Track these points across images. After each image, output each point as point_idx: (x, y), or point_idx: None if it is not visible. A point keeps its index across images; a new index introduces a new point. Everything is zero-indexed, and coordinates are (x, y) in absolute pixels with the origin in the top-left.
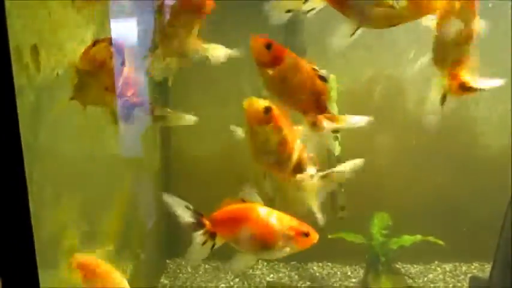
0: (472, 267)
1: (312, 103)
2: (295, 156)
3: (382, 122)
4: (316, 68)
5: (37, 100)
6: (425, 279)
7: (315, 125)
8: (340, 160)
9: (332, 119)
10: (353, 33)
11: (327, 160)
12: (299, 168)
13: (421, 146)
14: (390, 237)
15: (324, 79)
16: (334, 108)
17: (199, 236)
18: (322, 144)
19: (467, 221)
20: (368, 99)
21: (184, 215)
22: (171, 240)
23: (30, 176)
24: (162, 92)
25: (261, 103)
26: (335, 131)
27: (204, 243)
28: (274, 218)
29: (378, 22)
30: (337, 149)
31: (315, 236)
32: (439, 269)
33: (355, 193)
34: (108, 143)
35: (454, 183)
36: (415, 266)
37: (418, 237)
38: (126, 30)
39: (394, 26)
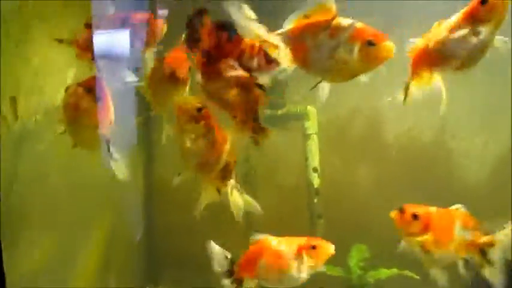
0: None
1: (245, 109)
2: (223, 159)
3: (362, 155)
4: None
5: (15, 147)
6: None
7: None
8: (318, 192)
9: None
10: (314, 87)
11: (307, 192)
12: (226, 172)
13: (399, 178)
14: (368, 269)
15: (261, 87)
16: (314, 139)
17: (227, 285)
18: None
19: None
20: (348, 131)
21: (223, 263)
22: (151, 268)
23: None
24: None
25: (194, 102)
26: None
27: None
28: (283, 244)
29: (337, 77)
30: (316, 181)
31: (325, 246)
32: None
33: (334, 225)
34: (88, 174)
35: None
36: None
37: (395, 270)
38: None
39: (352, 78)
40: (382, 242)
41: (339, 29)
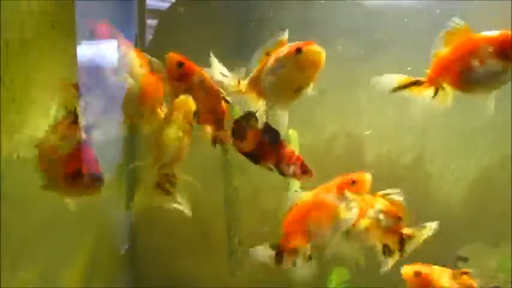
0: None
1: (212, 119)
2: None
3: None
4: (223, 92)
5: None
6: None
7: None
8: None
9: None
10: (266, 112)
11: None
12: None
13: None
14: None
15: (227, 101)
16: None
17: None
18: None
19: None
20: (329, 154)
21: (268, 254)
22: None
23: None
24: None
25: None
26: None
27: (294, 263)
28: (321, 193)
29: (284, 95)
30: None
31: (362, 176)
32: None
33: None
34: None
35: None
36: None
37: None
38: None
39: (299, 93)
40: (361, 265)
41: (279, 52)
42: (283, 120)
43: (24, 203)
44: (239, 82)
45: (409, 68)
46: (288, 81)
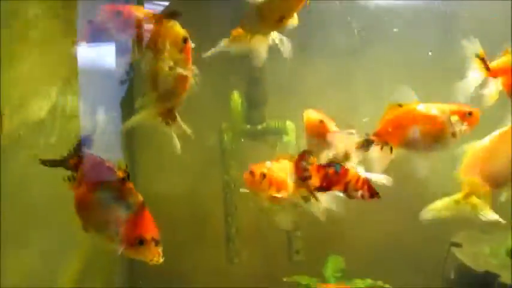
0: None
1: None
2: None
3: None
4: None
5: None
6: None
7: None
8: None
9: None
10: None
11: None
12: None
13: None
14: (343, 280)
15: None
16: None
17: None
18: None
19: (416, 265)
20: None
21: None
22: (132, 283)
23: None
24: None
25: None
26: None
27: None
28: (435, 109)
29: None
30: None
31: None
32: None
33: (311, 236)
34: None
35: (406, 228)
36: None
37: (368, 281)
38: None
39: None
40: (357, 253)
41: None
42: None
43: (24, 186)
44: None
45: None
46: (270, 10)
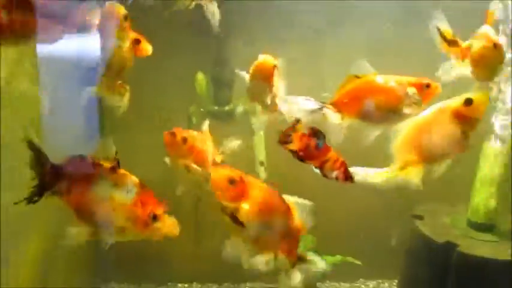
0: (394, 283)
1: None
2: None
3: None
4: None
5: None
6: None
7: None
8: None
9: None
10: None
11: None
12: None
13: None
14: None
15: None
16: (260, 134)
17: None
18: None
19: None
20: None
21: (308, 104)
22: (104, 265)
23: None
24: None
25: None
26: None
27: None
28: (392, 81)
29: None
30: (262, 174)
31: (435, 86)
32: (363, 286)
33: None
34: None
35: (372, 204)
36: (342, 283)
37: (338, 257)
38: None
39: None
40: (328, 232)
41: None
42: None
43: None
44: None
45: None
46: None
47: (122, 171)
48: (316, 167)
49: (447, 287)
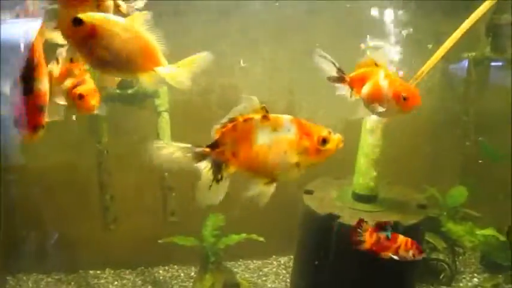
0: None
1: None
2: None
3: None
4: None
5: None
6: (260, 273)
7: None
8: None
9: None
10: None
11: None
12: None
13: None
14: (221, 237)
15: None
16: (164, 117)
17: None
18: None
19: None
20: (203, 108)
21: (332, 71)
22: (11, 256)
23: None
24: None
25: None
26: None
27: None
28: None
29: None
30: None
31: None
32: (275, 262)
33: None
34: None
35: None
36: (255, 261)
37: (243, 235)
38: None
39: None
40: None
41: None
42: None
43: None
44: None
45: None
46: None
47: (272, 115)
48: (393, 255)
49: (330, 255)
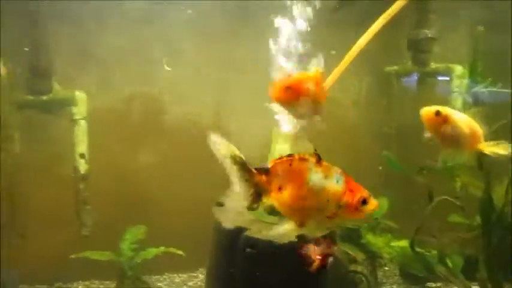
0: None
1: None
2: None
3: (140, 138)
4: None
5: None
6: (185, 286)
7: None
8: (85, 178)
9: None
10: None
11: (73, 178)
12: None
13: (179, 159)
14: (139, 250)
15: None
16: (81, 125)
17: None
18: None
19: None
20: (128, 115)
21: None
22: None
23: None
24: None
25: None
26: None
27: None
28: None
29: None
30: (82, 167)
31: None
32: (201, 275)
33: (107, 210)
34: None
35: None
36: (181, 275)
37: (162, 248)
38: None
39: None
40: (160, 221)
41: None
42: None
43: None
44: None
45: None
46: None
47: (325, 163)
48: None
49: (237, 269)
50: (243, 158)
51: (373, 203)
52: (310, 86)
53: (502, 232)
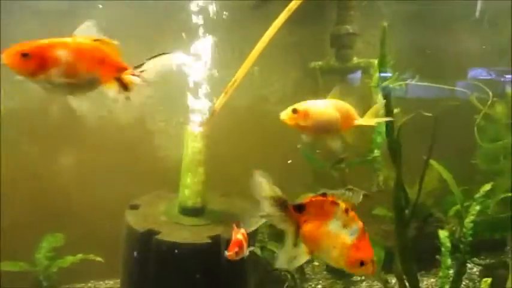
0: None
1: None
2: None
3: (58, 141)
4: None
5: None
6: None
7: None
8: None
9: None
10: None
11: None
12: None
13: (100, 162)
14: (56, 259)
15: None
16: None
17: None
18: None
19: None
20: (44, 117)
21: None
22: None
23: None
24: None
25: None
26: None
27: None
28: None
29: None
30: None
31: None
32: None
33: (22, 218)
34: None
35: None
36: (107, 281)
37: (79, 256)
38: None
39: None
40: (81, 227)
41: None
42: None
43: None
44: None
45: None
46: None
47: (352, 213)
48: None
49: (149, 272)
50: (286, 199)
51: (368, 269)
52: (62, 55)
53: (415, 224)
